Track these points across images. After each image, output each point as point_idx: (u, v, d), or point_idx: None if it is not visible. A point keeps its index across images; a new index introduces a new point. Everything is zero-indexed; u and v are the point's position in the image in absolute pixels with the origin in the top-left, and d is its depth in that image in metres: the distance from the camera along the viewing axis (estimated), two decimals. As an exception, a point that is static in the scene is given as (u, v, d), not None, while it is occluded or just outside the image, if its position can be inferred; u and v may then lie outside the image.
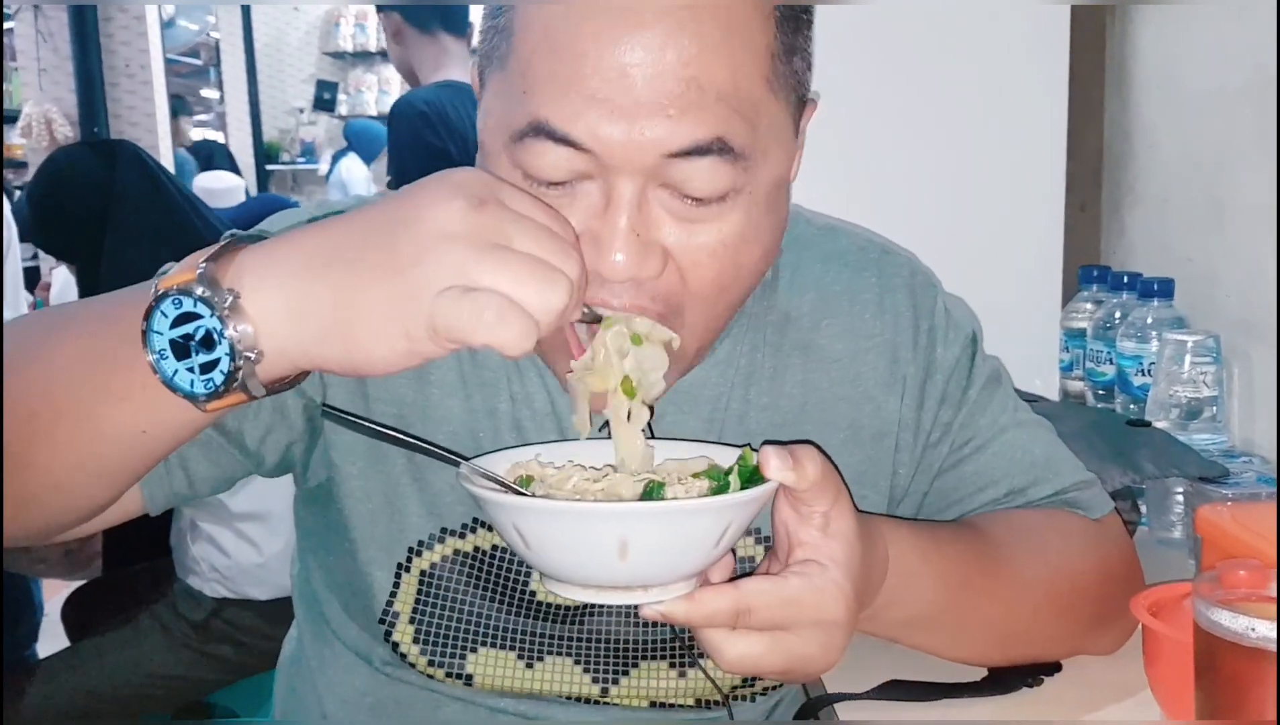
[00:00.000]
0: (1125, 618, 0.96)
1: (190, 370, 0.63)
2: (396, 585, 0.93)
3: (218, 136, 9.36)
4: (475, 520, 0.93)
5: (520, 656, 0.94)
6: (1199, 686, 0.79)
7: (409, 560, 0.93)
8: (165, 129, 7.89)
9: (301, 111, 10.17)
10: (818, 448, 0.73)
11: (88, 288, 2.36)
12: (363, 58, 9.94)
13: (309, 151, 10.09)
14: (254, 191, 8.44)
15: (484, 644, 0.94)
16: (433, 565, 0.93)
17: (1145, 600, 0.94)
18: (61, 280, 4.10)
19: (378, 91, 9.74)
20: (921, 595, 0.83)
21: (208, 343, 0.62)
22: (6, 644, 2.31)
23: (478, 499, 0.71)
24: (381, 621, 0.94)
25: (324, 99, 9.77)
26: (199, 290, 0.62)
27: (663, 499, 0.72)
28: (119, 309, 0.67)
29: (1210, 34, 1.61)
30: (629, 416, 0.78)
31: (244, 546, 2.11)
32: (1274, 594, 0.78)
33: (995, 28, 1.61)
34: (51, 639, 2.45)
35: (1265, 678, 0.73)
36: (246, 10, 9.41)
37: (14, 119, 7.03)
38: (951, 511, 1.00)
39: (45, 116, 6.86)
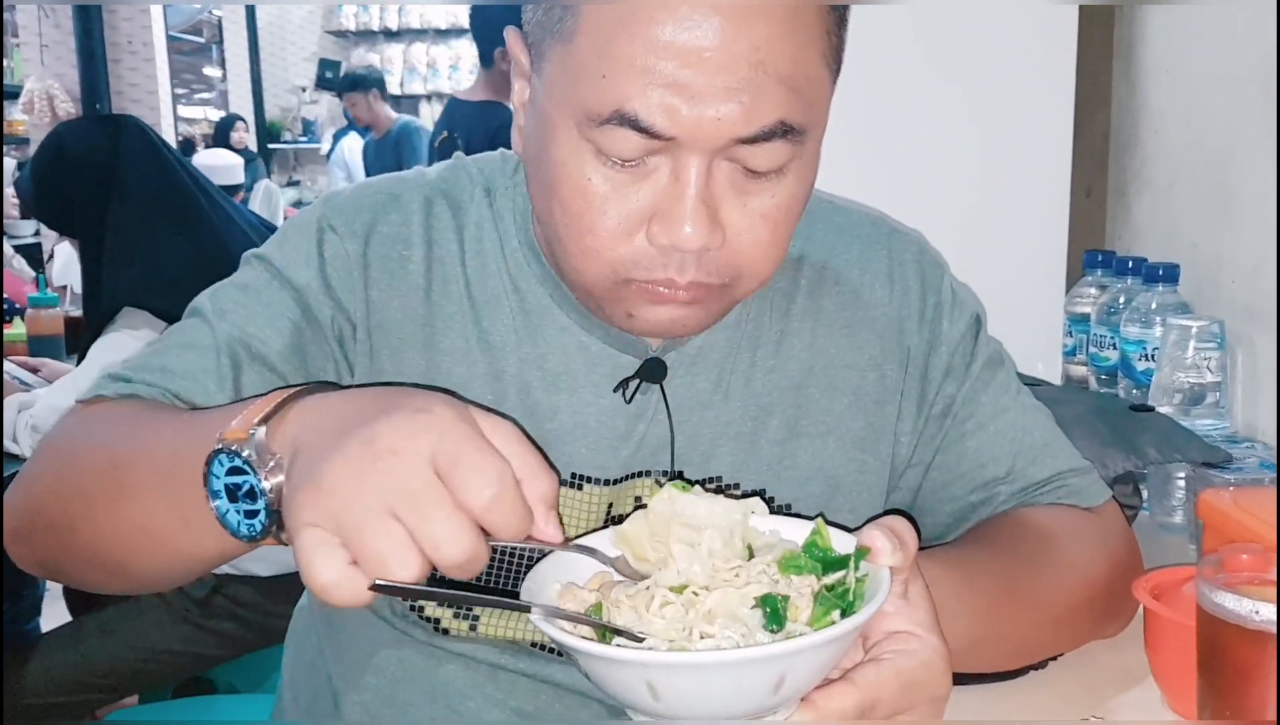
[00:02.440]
0: (1129, 603, 0.97)
1: (238, 513, 0.67)
2: None
3: (219, 114, 9.33)
4: None
5: None
6: (1201, 669, 0.80)
7: None
8: (167, 106, 7.88)
9: (304, 90, 10.15)
10: (905, 515, 0.73)
11: (90, 263, 2.36)
12: (365, 36, 9.92)
13: (311, 130, 10.08)
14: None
15: (491, 591, 0.94)
16: None
17: (1147, 584, 0.95)
18: (64, 256, 4.10)
19: (380, 70, 9.73)
20: (956, 630, 0.80)
21: (252, 495, 0.66)
22: (8, 618, 2.32)
23: (579, 651, 0.64)
24: None
25: (326, 77, 9.74)
26: (247, 452, 0.66)
27: (786, 615, 0.67)
28: (190, 450, 0.71)
29: (1219, 19, 1.60)
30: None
31: (246, 523, 2.11)
32: (1276, 578, 0.78)
33: (1003, 11, 1.60)
34: (53, 614, 2.46)
35: (1268, 660, 0.73)
36: (249, -12, 9.38)
37: (16, 95, 7.01)
38: (955, 487, 1.01)
39: (47, 92, 6.85)
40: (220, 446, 0.67)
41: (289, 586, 1.95)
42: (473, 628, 0.95)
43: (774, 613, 0.67)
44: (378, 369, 0.93)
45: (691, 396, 0.95)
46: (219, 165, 5.16)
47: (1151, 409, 1.38)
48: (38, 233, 6.22)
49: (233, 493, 0.67)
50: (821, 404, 0.98)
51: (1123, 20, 1.90)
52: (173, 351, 0.91)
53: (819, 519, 0.74)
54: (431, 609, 0.95)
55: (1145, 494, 1.37)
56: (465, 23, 9.45)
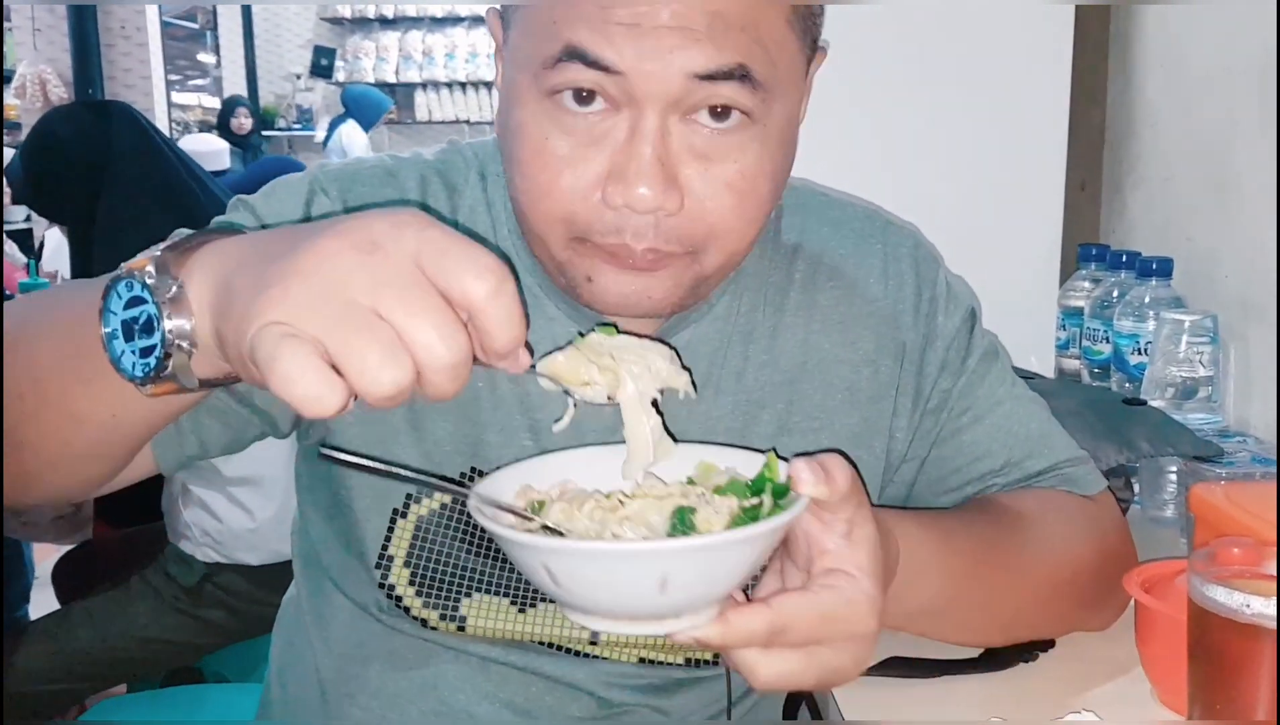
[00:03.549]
0: (1120, 594, 0.97)
1: (134, 353, 0.62)
2: (391, 530, 0.93)
3: (214, 101, 9.30)
4: (473, 470, 0.93)
5: (513, 602, 0.94)
6: (1192, 662, 0.80)
7: (406, 506, 0.93)
8: (161, 92, 7.85)
9: (298, 77, 10.12)
10: (843, 454, 0.72)
11: (80, 250, 2.35)
12: (360, 24, 9.88)
13: (306, 117, 10.05)
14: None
15: (478, 589, 0.94)
16: (431, 512, 0.93)
17: (1138, 577, 0.94)
18: (55, 242, 4.08)
19: (375, 58, 9.69)
20: (929, 588, 0.82)
21: (149, 328, 0.62)
22: (-3, 606, 2.31)
23: (498, 537, 0.67)
24: (378, 566, 0.94)
25: (321, 65, 9.70)
26: (147, 276, 0.61)
27: (694, 526, 0.70)
28: (94, 295, 0.67)
29: (1215, 13, 1.60)
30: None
31: (236, 511, 2.11)
32: (1271, 572, 0.78)
33: (999, 6, 1.59)
34: (42, 602, 2.45)
35: (1259, 653, 0.73)
36: (244, -26, 9.34)
37: (8, 79, 6.98)
38: (951, 480, 1.01)
39: (40, 77, 6.82)
40: (120, 274, 0.63)
41: (278, 575, 1.95)
42: (460, 628, 0.94)
43: (681, 522, 0.70)
44: None
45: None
46: (205, 151, 5.13)
47: (1144, 403, 1.38)
48: (29, 218, 6.19)
49: (129, 330, 0.62)
50: (815, 400, 0.97)
51: (1119, 14, 1.89)
52: None
53: (770, 452, 0.75)
54: (418, 609, 0.94)
55: (1137, 487, 1.37)
56: (461, 11, 9.46)
